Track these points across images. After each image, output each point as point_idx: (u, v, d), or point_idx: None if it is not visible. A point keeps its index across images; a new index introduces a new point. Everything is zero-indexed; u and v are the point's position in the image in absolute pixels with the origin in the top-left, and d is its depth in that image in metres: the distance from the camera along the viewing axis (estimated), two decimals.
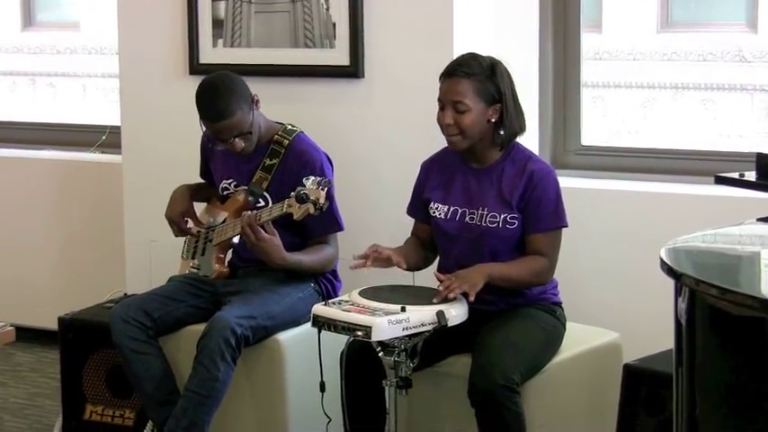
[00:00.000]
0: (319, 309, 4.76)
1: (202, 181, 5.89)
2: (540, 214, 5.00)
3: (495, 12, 6.22)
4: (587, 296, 5.54)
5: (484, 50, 5.23)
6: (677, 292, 3.35)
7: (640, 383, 4.89)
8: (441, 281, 4.81)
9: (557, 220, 5.04)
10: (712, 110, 14.57)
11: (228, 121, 5.37)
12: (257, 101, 5.52)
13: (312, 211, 5.03)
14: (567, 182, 5.81)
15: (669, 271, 3.33)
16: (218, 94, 5.44)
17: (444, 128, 5.00)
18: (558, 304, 5.17)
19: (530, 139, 6.03)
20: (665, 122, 14.37)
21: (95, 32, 13.94)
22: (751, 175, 4.21)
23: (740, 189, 4.27)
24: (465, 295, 4.76)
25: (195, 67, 6.40)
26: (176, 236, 5.66)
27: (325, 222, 5.38)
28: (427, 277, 5.07)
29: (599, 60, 13.87)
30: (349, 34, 6.20)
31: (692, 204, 5.57)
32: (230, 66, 6.02)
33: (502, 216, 5.00)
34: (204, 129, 5.50)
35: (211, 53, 6.36)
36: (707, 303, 3.20)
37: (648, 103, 14.79)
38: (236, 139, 5.41)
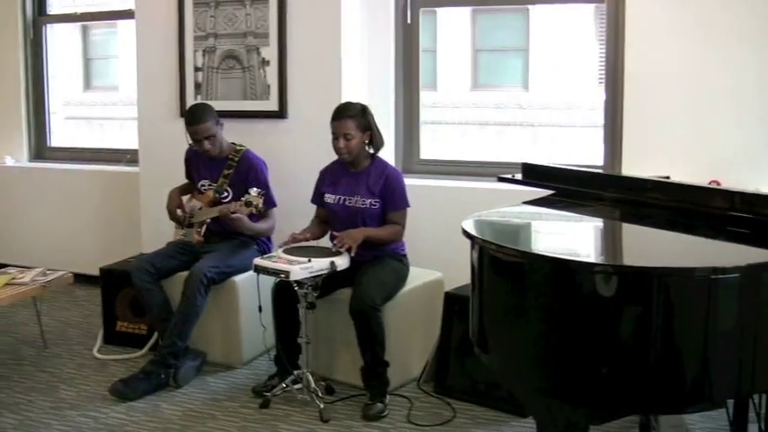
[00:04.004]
0: (258, 261, 4.77)
1: (186, 181, 5.79)
2: (393, 199, 5.01)
3: (368, 74, 6.20)
4: (423, 250, 5.51)
5: (359, 100, 5.25)
6: (472, 248, 3.32)
7: (454, 303, 4.87)
8: (335, 237, 4.90)
9: (404, 202, 5.05)
10: (504, 139, 14.75)
11: (203, 125, 5.40)
12: (222, 123, 5.53)
13: (254, 212, 5.15)
14: (412, 181, 5.82)
15: (466, 234, 3.30)
16: (199, 108, 5.53)
17: (338, 150, 5.01)
18: (405, 255, 5.16)
19: (390, 155, 6.02)
20: (474, 146, 14.52)
21: (128, 92, 13.83)
22: (519, 176, 4.19)
23: (513, 185, 4.24)
24: (349, 250, 4.80)
25: (183, 113, 6.27)
26: (171, 220, 5.58)
27: (267, 203, 5.31)
28: (323, 241, 5.02)
29: (435, 107, 13.95)
30: (278, 91, 6.14)
31: (486, 194, 5.56)
32: None
33: (369, 201, 4.99)
34: (188, 137, 5.47)
35: (195, 102, 6.24)
36: (489, 254, 3.18)
37: (464, 134, 14.92)
38: (206, 141, 5.42)
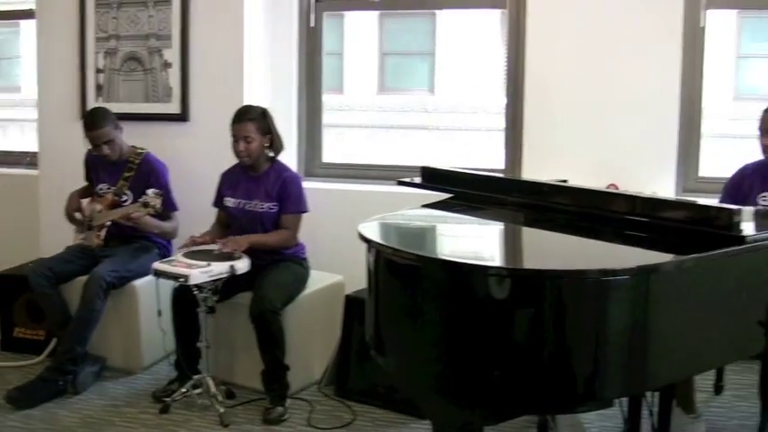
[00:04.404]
0: (158, 265, 4.73)
1: (86, 183, 5.73)
2: (288, 203, 5.02)
3: (271, 77, 6.19)
4: (324, 254, 5.50)
5: (261, 103, 5.29)
6: (368, 251, 3.33)
7: (355, 306, 4.89)
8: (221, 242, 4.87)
9: (298, 207, 5.06)
10: (410, 143, 14.81)
11: (101, 130, 5.34)
12: (121, 127, 5.47)
13: (152, 212, 5.11)
14: (314, 184, 5.92)
15: (362, 238, 3.31)
16: (97, 113, 5.43)
17: (238, 153, 5.00)
18: (305, 259, 5.18)
19: (292, 158, 6.02)
20: (380, 149, 14.57)
21: (31, 93, 13.59)
22: (418, 180, 4.20)
23: (412, 188, 4.24)
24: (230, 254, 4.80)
25: (84, 115, 6.18)
26: (70, 223, 5.51)
27: (168, 206, 5.33)
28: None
29: (341, 110, 13.95)
30: (181, 94, 6.10)
31: (387, 197, 5.57)
32: None
33: (267, 204, 5.01)
34: (87, 142, 5.41)
35: (95, 105, 6.16)
36: (385, 257, 3.19)
37: (371, 136, 14.95)
38: (105, 146, 5.36)
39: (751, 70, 13.94)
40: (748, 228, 3.08)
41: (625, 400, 4.11)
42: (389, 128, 14.86)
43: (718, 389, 5.09)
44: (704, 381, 5.06)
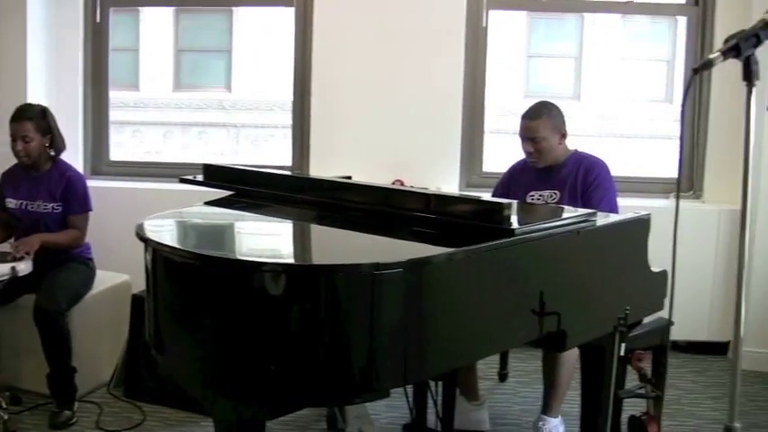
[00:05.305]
0: None
1: None
2: (74, 203, 4.93)
3: (56, 73, 6.08)
4: (110, 253, 5.38)
5: (45, 100, 5.19)
6: (146, 250, 3.30)
7: (141, 305, 4.72)
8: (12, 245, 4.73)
9: (84, 206, 4.97)
10: (206, 139, 14.73)
11: None
12: None
13: None
14: (100, 183, 5.93)
15: (140, 237, 3.28)
16: None
17: (16, 153, 4.87)
18: (91, 259, 5.10)
19: (77, 156, 5.92)
20: (176, 147, 14.46)
21: None
22: (201, 178, 4.18)
23: (199, 186, 4.22)
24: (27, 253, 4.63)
25: None
26: None
27: None
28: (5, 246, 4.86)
29: (137, 108, 13.73)
30: None
31: (173, 195, 5.41)
32: None
33: (51, 205, 4.90)
34: None
35: None
36: (161, 255, 3.17)
37: (168, 134, 14.78)
38: None
39: (540, 69, 14.38)
40: (518, 221, 3.19)
41: (411, 389, 4.21)
42: (186, 125, 14.72)
43: (503, 376, 5.27)
44: (489, 369, 5.22)
